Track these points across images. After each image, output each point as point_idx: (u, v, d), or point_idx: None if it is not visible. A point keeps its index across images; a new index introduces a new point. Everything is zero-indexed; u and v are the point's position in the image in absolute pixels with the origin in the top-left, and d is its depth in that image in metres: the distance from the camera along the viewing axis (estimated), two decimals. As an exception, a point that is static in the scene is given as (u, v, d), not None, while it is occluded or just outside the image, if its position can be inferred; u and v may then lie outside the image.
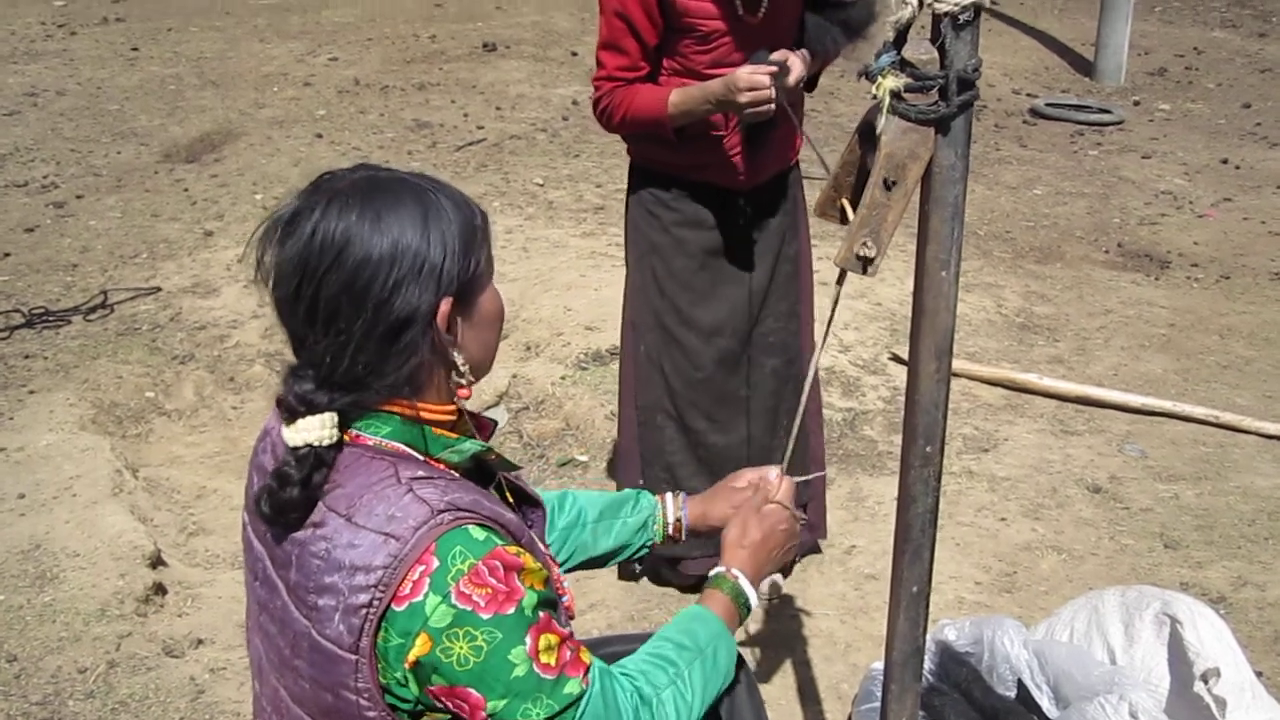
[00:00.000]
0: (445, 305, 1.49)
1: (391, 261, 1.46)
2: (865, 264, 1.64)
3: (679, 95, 2.86)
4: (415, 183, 1.54)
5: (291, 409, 1.49)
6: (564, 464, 4.23)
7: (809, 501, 3.38)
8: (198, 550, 3.88)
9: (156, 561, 3.57)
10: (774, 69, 2.75)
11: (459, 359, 1.54)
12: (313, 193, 1.53)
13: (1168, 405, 4.58)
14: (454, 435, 1.58)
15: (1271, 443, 4.42)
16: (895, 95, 1.61)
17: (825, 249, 4.87)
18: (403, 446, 1.53)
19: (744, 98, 2.73)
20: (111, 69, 9.11)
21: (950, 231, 1.65)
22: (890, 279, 5.48)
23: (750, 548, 1.82)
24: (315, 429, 1.48)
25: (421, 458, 1.54)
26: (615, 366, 4.56)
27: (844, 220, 1.78)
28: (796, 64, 2.83)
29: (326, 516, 1.48)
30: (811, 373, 1.95)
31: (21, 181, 6.88)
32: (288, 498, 1.49)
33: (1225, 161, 7.59)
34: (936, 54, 1.61)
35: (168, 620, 3.40)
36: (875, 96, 1.62)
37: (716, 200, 3.09)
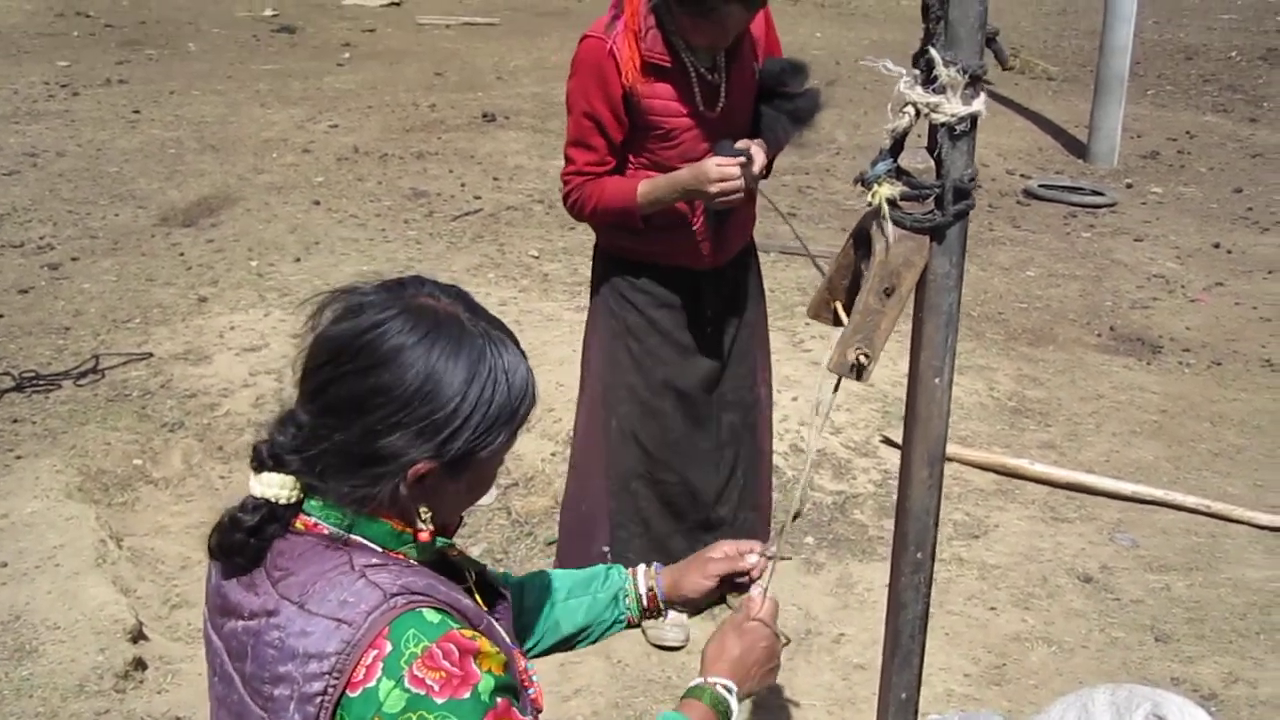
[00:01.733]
0: (422, 467, 1.47)
1: (405, 404, 1.44)
2: (859, 371, 1.63)
3: (647, 185, 3.05)
4: (485, 341, 1.49)
5: (261, 459, 1.51)
6: (552, 543, 4.20)
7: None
8: (180, 624, 3.84)
9: (138, 635, 3.53)
10: (742, 159, 2.92)
11: (421, 511, 1.52)
12: (395, 293, 1.51)
13: (1159, 494, 4.57)
14: (423, 538, 1.56)
15: (1263, 533, 4.41)
16: (891, 203, 1.62)
17: (818, 328, 4.88)
18: (360, 538, 1.52)
19: (714, 188, 2.92)
20: (112, 131, 9.16)
21: (944, 339, 1.65)
22: (884, 360, 5.45)
23: (730, 662, 1.77)
24: (276, 486, 1.49)
25: (379, 549, 1.53)
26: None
27: (837, 322, 1.78)
28: (759, 153, 3.03)
29: (280, 604, 1.46)
30: (805, 473, 1.94)
31: (18, 242, 6.89)
32: (236, 540, 1.50)
33: (1217, 245, 7.63)
34: (933, 162, 1.62)
35: (147, 697, 3.36)
36: (871, 203, 1.63)
37: (686, 281, 3.29)
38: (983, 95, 1.60)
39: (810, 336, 5.64)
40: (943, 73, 1.56)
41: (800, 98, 3.17)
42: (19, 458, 4.54)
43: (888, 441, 4.82)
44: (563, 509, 3.69)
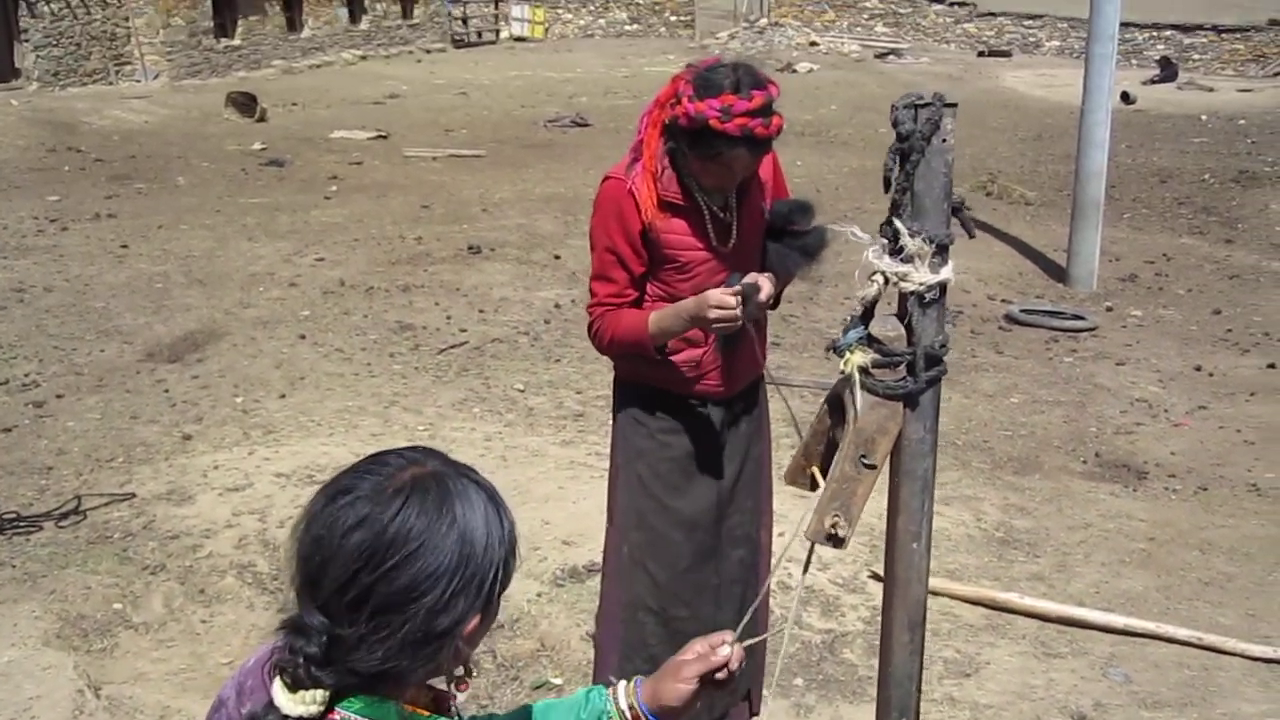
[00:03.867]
0: (476, 621, 1.49)
1: (453, 574, 1.46)
2: (837, 540, 1.63)
3: (656, 316, 3.21)
4: (469, 482, 1.53)
5: (299, 679, 1.45)
6: (538, 687, 4.14)
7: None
8: (157, 777, 3.76)
9: (113, 792, 3.44)
10: (739, 290, 3.06)
11: (459, 669, 1.54)
12: (381, 478, 1.50)
13: (1151, 626, 4.53)
14: (424, 713, 1.54)
15: (1257, 665, 4.36)
16: (863, 370, 1.63)
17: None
18: None
19: (712, 314, 3.04)
20: (100, 265, 9.23)
21: (920, 504, 1.65)
22: (871, 494, 5.46)
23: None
24: (313, 704, 1.45)
25: None
26: (592, 584, 4.52)
27: (814, 487, 1.78)
28: (766, 285, 3.16)
29: None
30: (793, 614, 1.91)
31: (3, 379, 6.89)
32: None
33: (1199, 368, 7.69)
34: (903, 330, 1.64)
35: None
36: (844, 372, 1.64)
37: (697, 408, 3.42)
38: (951, 263, 1.62)
39: (796, 468, 5.63)
40: (909, 243, 1.59)
41: (808, 235, 3.36)
42: (-2, 604, 4.48)
43: (876, 577, 4.78)
44: (597, 631, 3.79)
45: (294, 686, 1.46)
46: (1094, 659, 4.38)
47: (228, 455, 5.85)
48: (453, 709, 1.65)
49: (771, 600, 4.41)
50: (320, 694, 1.46)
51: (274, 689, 1.48)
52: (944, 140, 1.56)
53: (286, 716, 1.45)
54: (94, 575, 4.76)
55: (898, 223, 1.56)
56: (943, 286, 1.61)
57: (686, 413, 3.42)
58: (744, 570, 3.57)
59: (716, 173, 3.13)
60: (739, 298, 3.05)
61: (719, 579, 3.53)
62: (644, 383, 3.44)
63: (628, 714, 1.91)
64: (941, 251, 1.59)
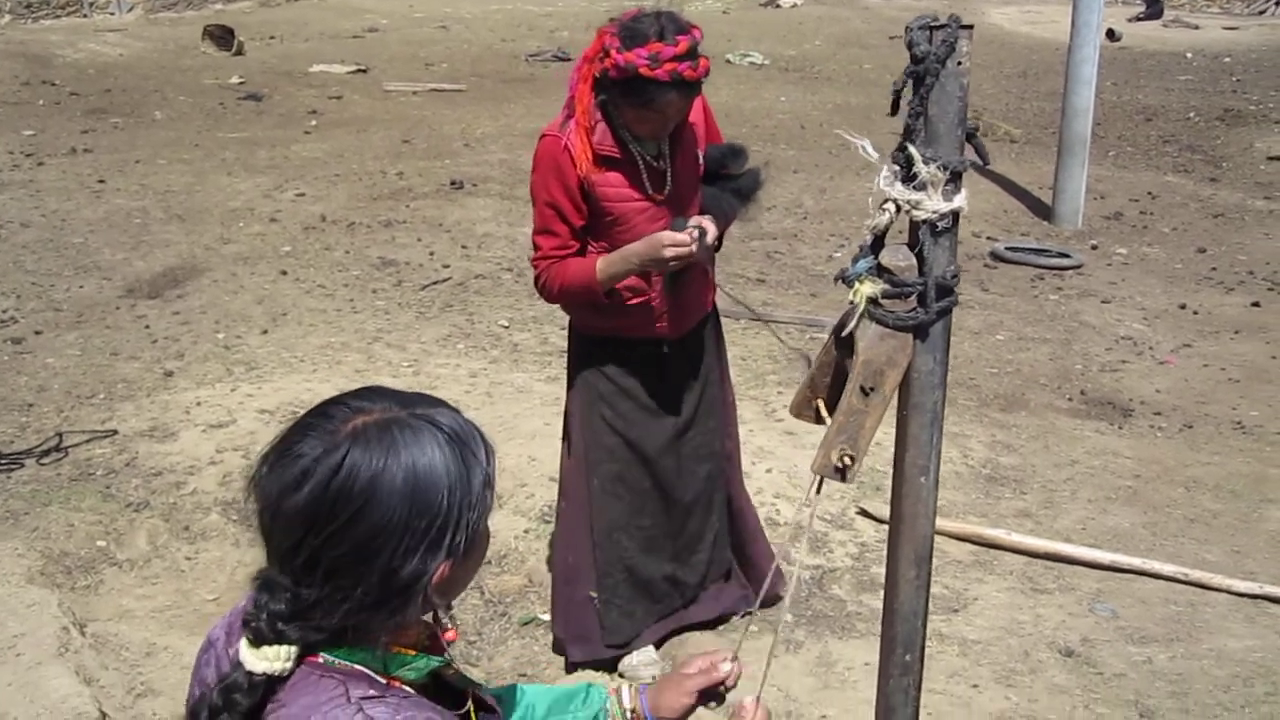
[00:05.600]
0: (445, 569, 1.43)
1: (405, 528, 1.39)
2: (844, 472, 1.60)
3: (604, 261, 3.39)
4: (427, 424, 1.44)
5: (262, 635, 1.41)
6: (526, 623, 4.13)
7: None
8: (145, 713, 3.74)
9: (100, 729, 3.42)
10: (694, 230, 3.27)
11: (443, 609, 1.49)
12: (326, 431, 1.42)
13: (1137, 562, 4.55)
14: (411, 653, 1.51)
15: (1242, 601, 4.38)
16: (873, 301, 1.59)
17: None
18: (356, 666, 1.46)
19: (668, 252, 3.24)
20: (77, 201, 9.09)
21: (929, 437, 1.62)
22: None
23: None
24: (279, 660, 1.41)
25: (375, 676, 1.47)
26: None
27: (819, 420, 1.75)
28: (710, 227, 3.36)
29: None
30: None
31: (-20, 317, 6.80)
32: (232, 717, 1.42)
33: (1183, 306, 7.68)
34: (914, 259, 1.59)
35: (110, 794, 3.26)
36: (853, 302, 1.60)
37: (652, 350, 3.63)
38: (964, 191, 1.58)
39: (782, 406, 5.62)
40: (923, 170, 1.54)
41: (742, 177, 3.54)
42: (-21, 541, 4.44)
43: (864, 514, 4.78)
44: (554, 560, 4.01)
45: (256, 642, 1.42)
46: (1081, 595, 4.40)
47: (210, 391, 5.80)
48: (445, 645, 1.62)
49: (769, 531, 4.39)
50: (286, 650, 1.42)
51: (240, 645, 1.44)
52: (959, 63, 1.51)
53: (251, 673, 1.42)
54: (77, 513, 4.73)
55: (912, 148, 1.52)
56: (955, 215, 1.57)
57: (642, 355, 3.62)
58: (710, 482, 3.86)
59: (650, 120, 3.26)
60: (694, 233, 3.24)
61: (688, 494, 3.80)
62: (599, 331, 3.62)
63: (629, 715, 1.92)
64: (955, 179, 1.55)
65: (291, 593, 1.42)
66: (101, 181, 9.61)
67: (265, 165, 10.18)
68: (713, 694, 1.90)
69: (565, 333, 6.59)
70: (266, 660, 1.41)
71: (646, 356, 3.63)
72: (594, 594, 3.77)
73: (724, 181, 3.53)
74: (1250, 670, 3.94)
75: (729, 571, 4.04)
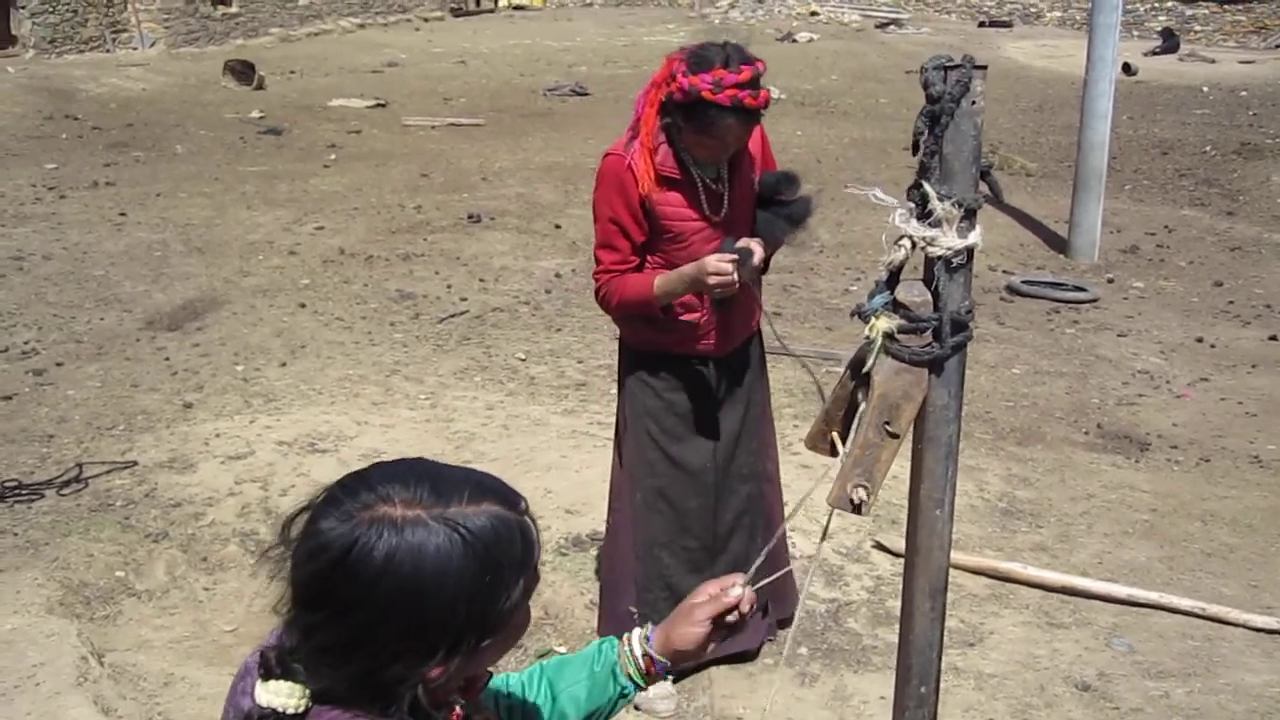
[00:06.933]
0: (436, 671, 1.41)
1: (392, 633, 1.38)
2: (858, 506, 1.61)
3: (661, 279, 3.50)
4: (455, 536, 1.41)
5: (269, 666, 1.43)
6: (542, 655, 4.14)
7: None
8: (162, 744, 3.76)
9: (119, 759, 3.44)
10: (735, 256, 3.35)
11: (454, 694, 1.49)
12: (343, 519, 1.41)
13: (1154, 597, 4.53)
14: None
15: (1259, 635, 4.36)
16: (888, 336, 1.61)
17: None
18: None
19: (712, 280, 3.34)
20: (99, 234, 9.18)
21: (944, 471, 1.64)
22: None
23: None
24: (284, 695, 1.41)
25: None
26: (595, 552, 4.52)
27: (834, 452, 1.76)
28: (757, 249, 3.47)
29: None
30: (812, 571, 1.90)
31: (2, 348, 6.86)
32: None
33: (1200, 340, 7.67)
34: (929, 295, 1.62)
35: (127, 825, 3.27)
36: (869, 337, 1.62)
37: (699, 366, 3.73)
38: (979, 228, 1.60)
39: (798, 439, 5.62)
40: (938, 206, 1.56)
41: (794, 204, 3.61)
42: (0, 571, 4.47)
43: (880, 547, 4.78)
44: (601, 571, 4.19)
45: (266, 675, 1.43)
46: (1097, 629, 4.38)
47: (229, 423, 5.84)
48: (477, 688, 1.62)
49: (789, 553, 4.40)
50: (293, 688, 1.42)
51: (255, 681, 1.46)
52: (973, 103, 1.54)
53: (260, 706, 1.42)
54: (96, 543, 4.75)
55: (927, 186, 1.54)
56: (970, 251, 1.59)
57: (689, 371, 3.72)
58: (752, 502, 3.92)
59: (709, 144, 3.37)
60: (734, 264, 3.33)
61: (729, 513, 3.86)
62: (649, 346, 3.72)
63: (640, 661, 1.89)
64: (970, 216, 1.57)
65: (304, 635, 1.43)
66: (123, 214, 9.70)
67: (285, 199, 10.27)
68: (726, 622, 1.83)
69: (581, 366, 6.68)
70: (276, 696, 1.41)
71: (693, 373, 3.73)
72: (633, 609, 3.83)
73: (777, 207, 3.63)
74: (1268, 705, 3.92)
75: (765, 606, 4.03)
